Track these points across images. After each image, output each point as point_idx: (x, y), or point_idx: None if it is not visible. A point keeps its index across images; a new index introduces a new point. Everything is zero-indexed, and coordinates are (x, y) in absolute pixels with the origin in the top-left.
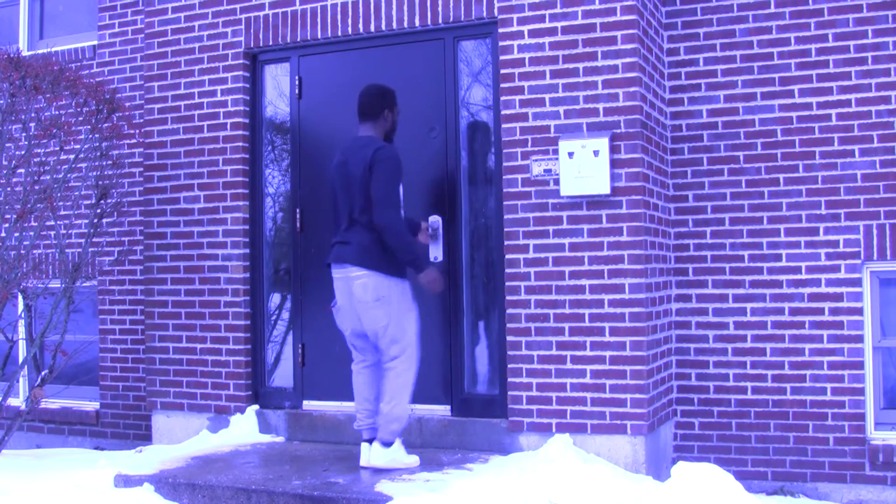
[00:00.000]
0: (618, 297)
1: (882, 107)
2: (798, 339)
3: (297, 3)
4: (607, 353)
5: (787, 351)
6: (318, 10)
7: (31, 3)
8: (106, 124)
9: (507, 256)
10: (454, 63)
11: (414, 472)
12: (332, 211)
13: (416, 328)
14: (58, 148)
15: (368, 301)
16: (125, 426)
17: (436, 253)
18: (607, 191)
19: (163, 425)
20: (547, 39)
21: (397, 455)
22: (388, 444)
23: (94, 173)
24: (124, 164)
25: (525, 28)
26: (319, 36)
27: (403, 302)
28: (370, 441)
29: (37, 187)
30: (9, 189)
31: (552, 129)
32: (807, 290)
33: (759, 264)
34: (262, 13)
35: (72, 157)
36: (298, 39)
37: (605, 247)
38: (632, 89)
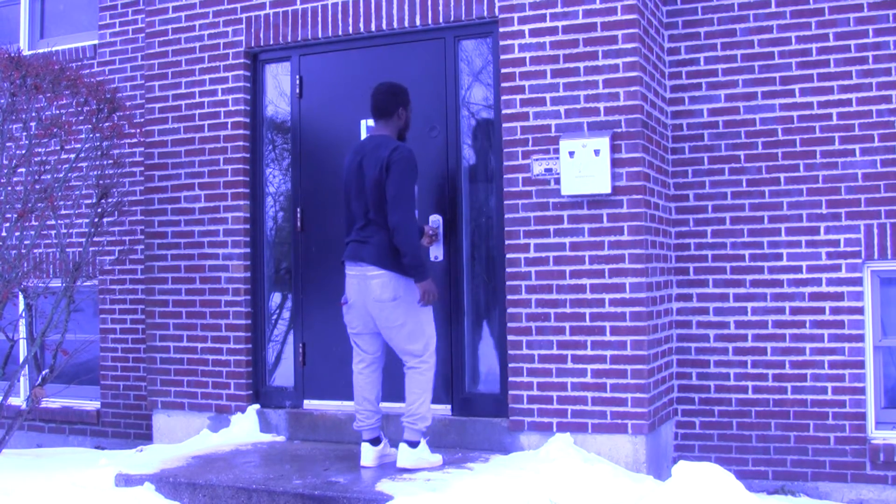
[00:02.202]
0: (618, 296)
1: (883, 106)
2: (799, 338)
3: (298, 2)
4: (608, 353)
5: (787, 350)
6: (319, 10)
7: (31, 2)
8: (107, 123)
9: (508, 256)
10: (455, 62)
11: (415, 471)
12: (345, 210)
13: (434, 327)
14: (58, 147)
15: (386, 300)
16: (126, 425)
17: (436, 252)
18: (608, 190)
19: (164, 424)
20: (548, 39)
21: (423, 454)
22: (414, 445)
23: (95, 172)
24: (125, 163)
25: (526, 27)
26: (320, 35)
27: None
28: (371, 441)
29: (37, 186)
30: (9, 188)
31: (553, 129)
32: (807, 290)
33: (759, 263)
34: (262, 12)
35: (72, 156)
36: (299, 39)
37: (606, 246)
38: (632, 89)
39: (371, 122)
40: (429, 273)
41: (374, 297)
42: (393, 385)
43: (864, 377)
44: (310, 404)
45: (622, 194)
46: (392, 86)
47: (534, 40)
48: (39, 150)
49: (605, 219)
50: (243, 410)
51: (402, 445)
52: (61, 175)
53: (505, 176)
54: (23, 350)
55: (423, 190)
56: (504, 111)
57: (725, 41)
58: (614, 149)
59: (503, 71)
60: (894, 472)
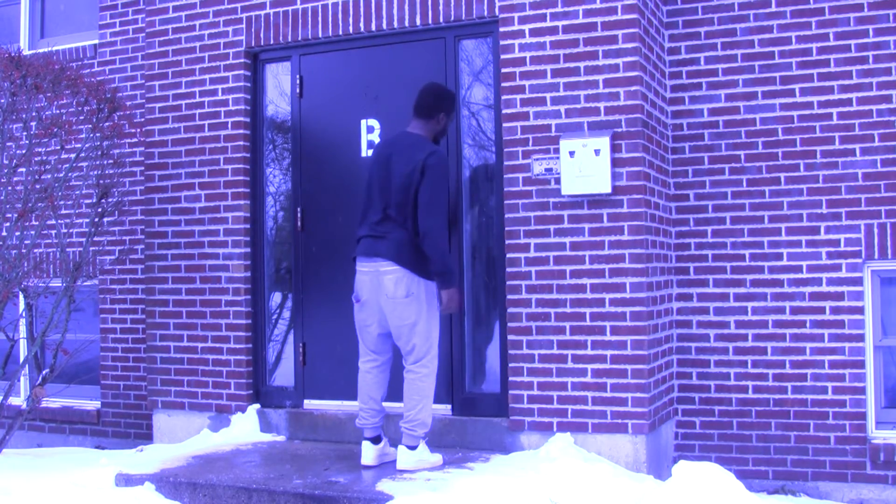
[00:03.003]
0: (619, 296)
1: (883, 106)
2: (799, 338)
3: (298, 2)
4: (608, 353)
5: (787, 350)
6: (319, 10)
7: (32, 2)
8: (107, 123)
9: (508, 255)
10: (455, 62)
11: (415, 471)
12: (363, 201)
13: (438, 332)
14: (59, 147)
15: (399, 297)
16: (126, 425)
17: None
18: (608, 190)
19: (164, 424)
20: (548, 38)
21: (423, 455)
22: (413, 448)
23: (95, 172)
24: (125, 162)
25: (526, 27)
26: (320, 35)
27: (431, 303)
28: (372, 440)
29: (38, 186)
30: (10, 188)
31: (553, 129)
32: (808, 290)
33: (759, 263)
34: (262, 12)
35: (73, 155)
36: (300, 38)
37: (606, 246)
38: (633, 88)
39: (371, 122)
40: (456, 280)
41: (386, 293)
42: (394, 384)
43: (865, 377)
44: (310, 404)
45: (622, 194)
46: (441, 89)
47: (534, 40)
48: (40, 149)
49: (605, 218)
50: (244, 410)
51: (401, 448)
52: (62, 175)
53: (505, 176)
54: (23, 350)
55: None
56: (504, 111)
57: (726, 41)
58: (614, 148)
59: (503, 71)
60: (894, 471)
